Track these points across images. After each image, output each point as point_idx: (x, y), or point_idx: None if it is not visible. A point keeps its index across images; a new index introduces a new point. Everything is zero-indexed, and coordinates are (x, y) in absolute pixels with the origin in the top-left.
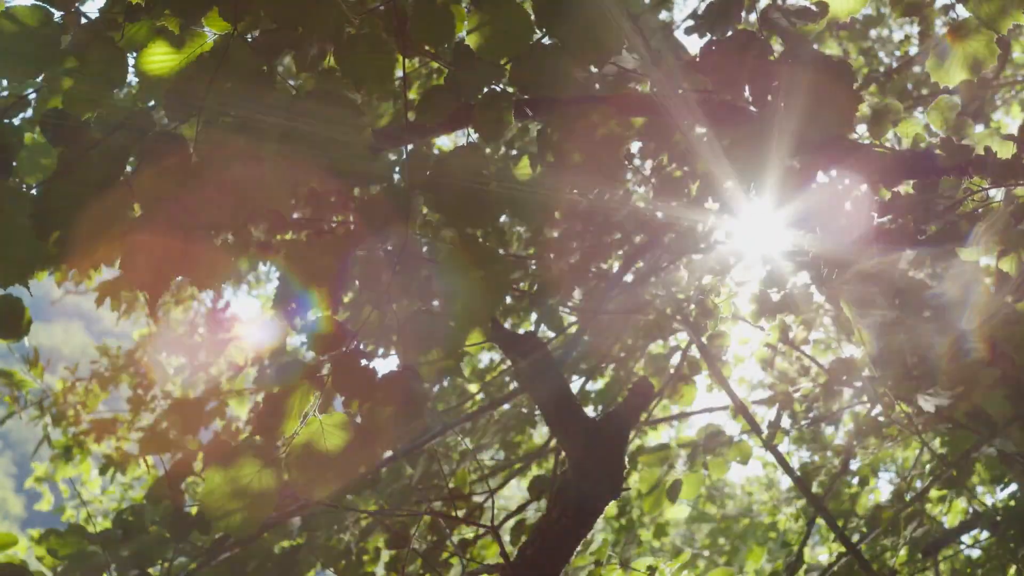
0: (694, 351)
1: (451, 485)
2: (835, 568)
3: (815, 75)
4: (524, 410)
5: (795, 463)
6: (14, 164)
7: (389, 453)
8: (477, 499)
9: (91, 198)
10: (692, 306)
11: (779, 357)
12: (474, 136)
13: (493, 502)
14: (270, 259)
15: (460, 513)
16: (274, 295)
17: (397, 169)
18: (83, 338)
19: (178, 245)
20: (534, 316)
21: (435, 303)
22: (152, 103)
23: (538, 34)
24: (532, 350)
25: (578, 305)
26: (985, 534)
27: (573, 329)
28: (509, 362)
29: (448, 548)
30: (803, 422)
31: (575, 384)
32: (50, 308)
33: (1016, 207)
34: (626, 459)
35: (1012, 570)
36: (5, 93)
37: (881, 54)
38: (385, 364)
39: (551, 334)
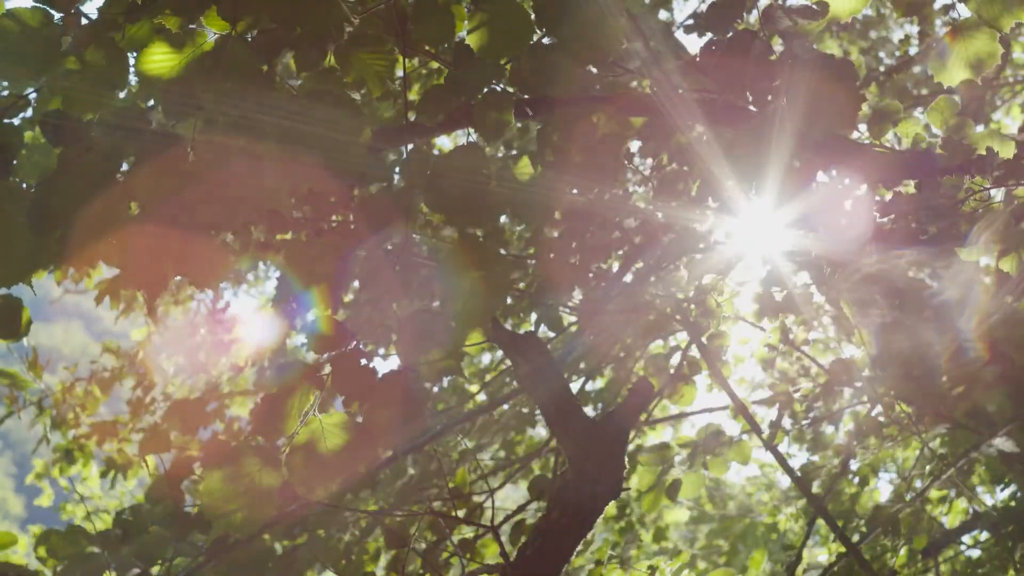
0: (694, 351)
1: (451, 485)
2: (835, 568)
3: (817, 74)
4: (524, 410)
5: (795, 463)
6: (14, 164)
7: (389, 453)
8: (477, 499)
9: (87, 196)
10: (692, 306)
11: (779, 357)
12: (474, 136)
13: (493, 502)
14: (270, 258)
15: (460, 513)
16: (274, 294)
17: (397, 169)
18: (83, 338)
19: (176, 244)
20: (534, 316)
21: (435, 303)
22: (152, 103)
23: (538, 34)
24: (532, 350)
25: (578, 305)
26: (985, 535)
27: (573, 329)
28: (509, 362)
29: (448, 548)
30: (803, 422)
31: (575, 384)
32: (50, 308)
33: (1016, 207)
34: (626, 459)
35: (1012, 571)
36: (5, 93)
37: (881, 54)
38: (385, 364)
39: (551, 334)
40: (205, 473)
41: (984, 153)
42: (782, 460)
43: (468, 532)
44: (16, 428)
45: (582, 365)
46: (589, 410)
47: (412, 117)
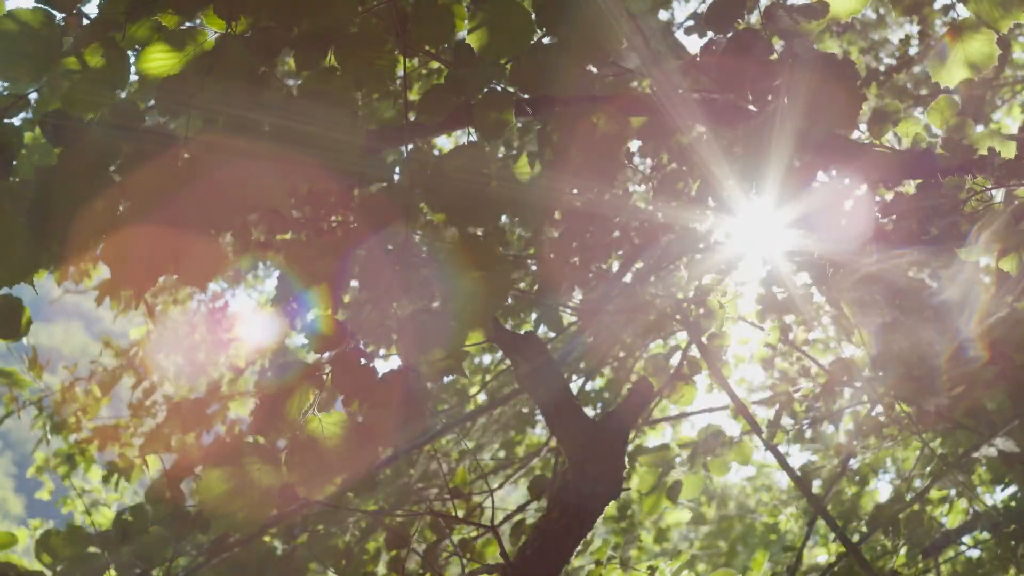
0: (694, 351)
1: (451, 485)
2: (835, 568)
3: (817, 73)
4: (524, 410)
5: (795, 463)
6: (14, 164)
7: (389, 453)
8: (477, 499)
9: (86, 196)
10: (692, 306)
11: (779, 357)
12: (474, 135)
13: (493, 502)
14: (270, 258)
15: (460, 513)
16: (274, 294)
17: (397, 169)
18: (83, 338)
19: (167, 242)
20: (534, 316)
21: (435, 303)
22: (152, 103)
23: (538, 33)
24: (532, 350)
25: (578, 305)
26: (986, 535)
27: (573, 329)
28: (509, 362)
29: (448, 548)
30: (803, 422)
31: (575, 384)
32: (50, 308)
33: (1016, 207)
34: (626, 459)
35: (1013, 571)
36: (5, 93)
37: (881, 54)
38: (385, 364)
39: (551, 334)
40: (205, 473)
41: (985, 153)
42: (782, 460)
43: (468, 532)
44: (16, 428)
45: (582, 365)
46: (589, 410)
47: (412, 117)
